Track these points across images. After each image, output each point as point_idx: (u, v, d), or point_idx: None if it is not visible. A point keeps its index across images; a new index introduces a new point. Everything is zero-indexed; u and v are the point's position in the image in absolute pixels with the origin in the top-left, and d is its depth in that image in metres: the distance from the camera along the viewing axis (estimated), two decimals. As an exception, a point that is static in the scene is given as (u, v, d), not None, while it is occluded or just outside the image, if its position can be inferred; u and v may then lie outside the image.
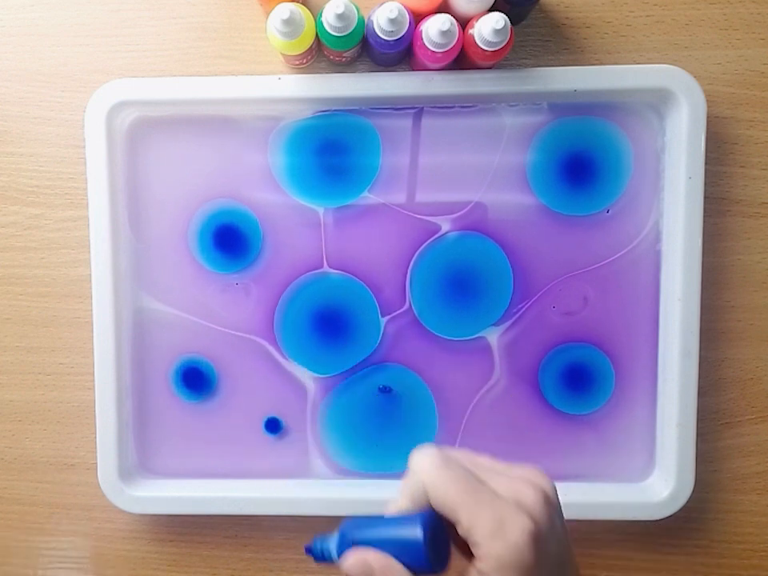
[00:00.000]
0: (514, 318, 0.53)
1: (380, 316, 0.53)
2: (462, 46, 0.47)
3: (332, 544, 0.34)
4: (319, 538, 0.35)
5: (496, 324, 0.53)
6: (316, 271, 0.53)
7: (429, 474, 0.33)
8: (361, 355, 0.53)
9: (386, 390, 0.53)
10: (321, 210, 0.52)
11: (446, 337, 0.53)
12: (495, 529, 0.30)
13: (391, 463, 0.53)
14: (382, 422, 0.53)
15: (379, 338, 0.53)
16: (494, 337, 0.53)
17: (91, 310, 0.51)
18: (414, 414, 0.53)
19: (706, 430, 0.53)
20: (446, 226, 0.52)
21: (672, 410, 0.50)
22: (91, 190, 0.51)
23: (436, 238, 0.52)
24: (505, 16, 0.44)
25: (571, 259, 0.52)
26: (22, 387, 0.55)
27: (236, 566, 0.55)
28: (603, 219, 0.52)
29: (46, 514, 0.56)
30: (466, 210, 0.52)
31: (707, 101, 0.49)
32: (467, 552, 0.32)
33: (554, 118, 0.51)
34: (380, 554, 0.32)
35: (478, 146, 0.51)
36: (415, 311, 0.53)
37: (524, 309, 0.52)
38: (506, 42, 0.45)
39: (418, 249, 0.52)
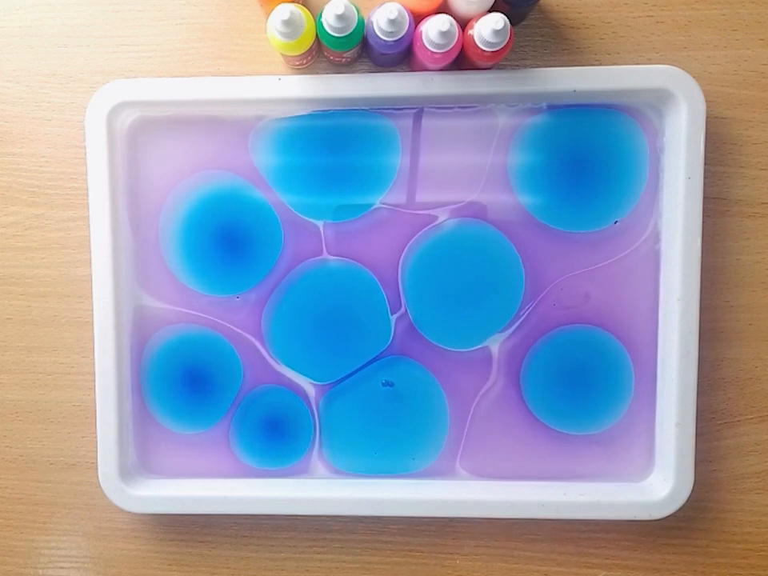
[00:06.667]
0: (518, 322, 0.52)
1: (389, 314, 0.52)
2: (462, 47, 0.47)
3: None
4: None
5: (501, 331, 0.52)
6: (315, 261, 0.53)
7: None
8: (364, 358, 0.53)
9: (388, 384, 0.53)
10: (320, 224, 0.52)
11: (444, 347, 0.52)
12: None
13: (393, 465, 0.53)
14: (384, 422, 0.53)
15: (390, 340, 0.52)
16: (496, 345, 0.53)
17: (91, 310, 0.51)
18: (420, 413, 0.53)
19: (705, 430, 0.53)
20: (443, 217, 0.52)
21: (671, 409, 0.50)
22: (92, 191, 0.51)
23: (434, 227, 0.51)
24: (504, 17, 0.44)
25: (572, 260, 0.52)
26: (22, 387, 0.55)
27: (236, 566, 0.55)
28: (611, 230, 0.52)
29: (47, 514, 0.56)
30: (461, 204, 0.52)
31: (706, 101, 0.49)
32: None
33: (554, 119, 0.51)
34: None
35: (477, 146, 0.51)
36: (411, 316, 0.52)
37: (528, 311, 0.52)
38: (505, 42, 0.45)
39: (412, 239, 0.52)
